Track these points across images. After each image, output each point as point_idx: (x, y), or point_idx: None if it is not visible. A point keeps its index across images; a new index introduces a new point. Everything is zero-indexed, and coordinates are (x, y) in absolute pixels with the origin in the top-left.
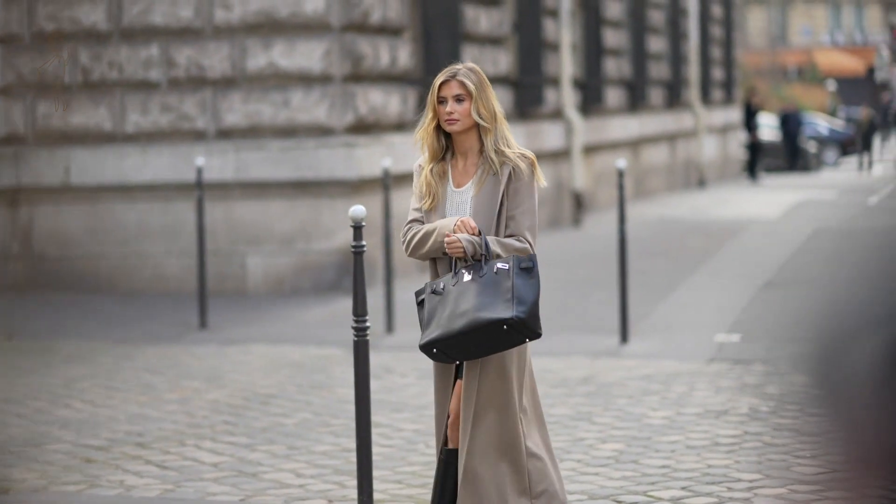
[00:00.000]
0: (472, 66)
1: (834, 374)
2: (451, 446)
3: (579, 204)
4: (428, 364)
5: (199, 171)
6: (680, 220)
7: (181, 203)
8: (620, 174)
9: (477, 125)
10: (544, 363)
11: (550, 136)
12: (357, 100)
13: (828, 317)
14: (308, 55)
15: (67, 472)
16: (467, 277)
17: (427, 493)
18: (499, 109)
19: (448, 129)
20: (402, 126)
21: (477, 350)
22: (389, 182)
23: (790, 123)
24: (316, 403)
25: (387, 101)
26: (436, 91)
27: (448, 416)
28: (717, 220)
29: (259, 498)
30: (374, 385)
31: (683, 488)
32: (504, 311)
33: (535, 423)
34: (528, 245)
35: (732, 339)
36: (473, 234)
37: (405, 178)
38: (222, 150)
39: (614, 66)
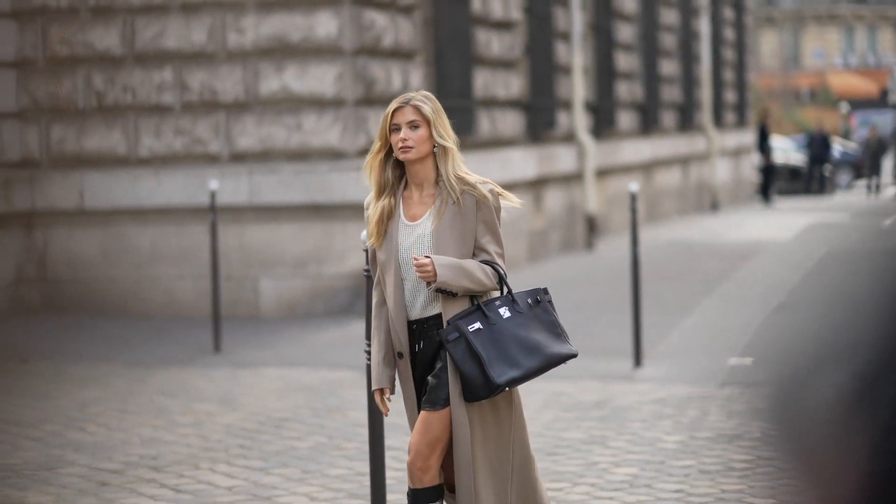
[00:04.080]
0: (426, 93)
1: (792, 415)
2: (421, 486)
3: (592, 227)
4: None
5: (213, 194)
6: (693, 243)
7: (194, 226)
8: (633, 197)
9: (432, 154)
10: (557, 387)
11: (563, 159)
12: (369, 123)
13: (789, 352)
14: (320, 79)
15: (82, 495)
16: (507, 314)
17: None
18: (452, 141)
19: (402, 157)
20: None
21: (529, 380)
22: None
23: (816, 146)
24: (329, 427)
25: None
26: (388, 119)
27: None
28: (730, 243)
29: None
30: None
31: None
32: (565, 346)
33: (526, 468)
34: (501, 272)
35: (745, 362)
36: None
37: None
38: (235, 173)
39: (626, 90)
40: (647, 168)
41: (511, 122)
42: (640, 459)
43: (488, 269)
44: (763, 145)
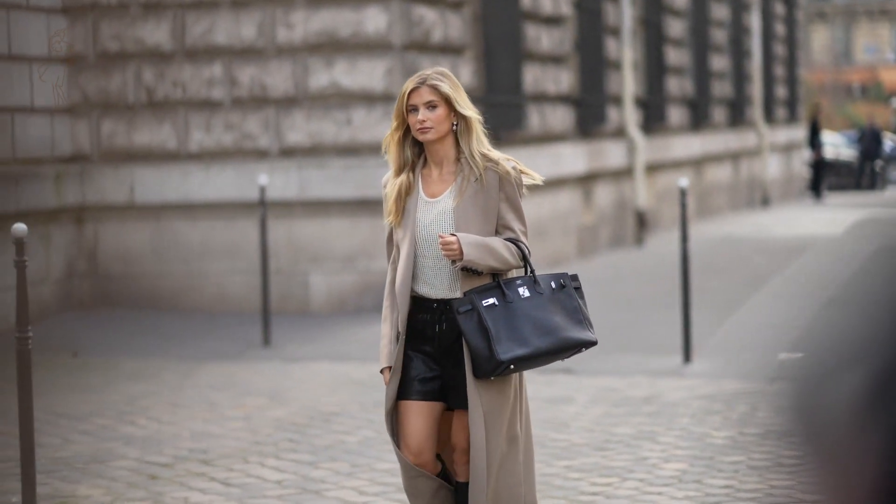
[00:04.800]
0: (441, 70)
1: (811, 414)
2: (453, 478)
3: (642, 223)
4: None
5: (262, 189)
6: (743, 239)
7: (244, 221)
8: (683, 193)
9: (452, 132)
10: (607, 382)
11: (613, 154)
12: None
13: (810, 350)
14: (370, 74)
15: (132, 488)
16: (526, 293)
17: None
18: (475, 113)
19: (421, 138)
20: None
21: (539, 365)
22: None
23: (867, 141)
24: (378, 421)
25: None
26: (405, 99)
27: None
28: (781, 238)
29: None
30: None
31: None
32: (584, 332)
33: (528, 458)
34: (525, 250)
35: (795, 358)
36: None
37: None
38: (285, 168)
39: (677, 85)
40: (697, 163)
41: (561, 118)
42: (689, 455)
43: (513, 247)
44: (814, 141)
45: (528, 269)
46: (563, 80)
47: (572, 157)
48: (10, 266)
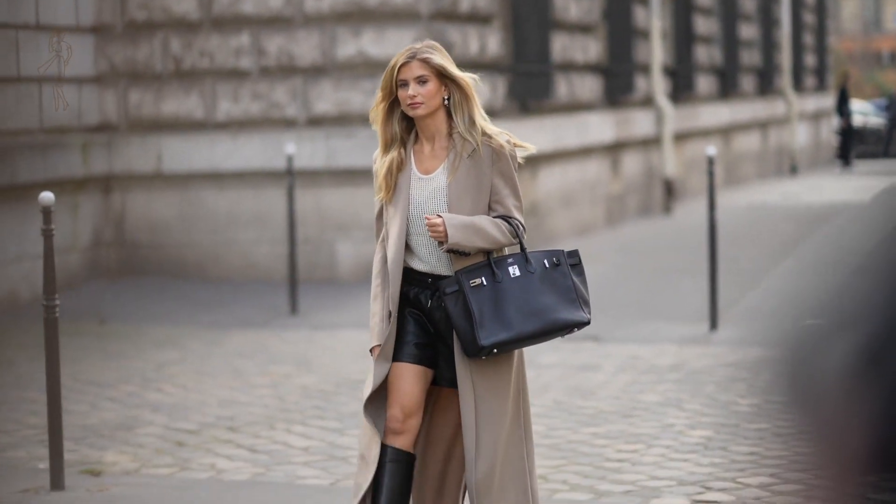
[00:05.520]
0: (431, 42)
1: (804, 380)
2: (398, 446)
3: (670, 191)
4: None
5: (290, 158)
6: (771, 207)
7: (271, 190)
8: (710, 161)
9: (443, 106)
10: (633, 350)
11: (641, 123)
12: None
13: (801, 318)
14: (397, 43)
15: (159, 455)
16: (516, 273)
17: None
18: (470, 83)
19: (412, 113)
20: (491, 113)
21: (528, 345)
22: None
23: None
24: None
25: (476, 88)
26: (395, 73)
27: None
28: (809, 206)
29: (348, 481)
30: None
31: (772, 475)
32: (575, 313)
33: (529, 433)
34: (519, 227)
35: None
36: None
37: None
38: (312, 137)
39: (705, 54)
40: (725, 132)
41: (589, 87)
42: (714, 422)
43: (504, 224)
44: (842, 109)
45: (521, 248)
46: (591, 48)
47: (600, 126)
48: (37, 235)
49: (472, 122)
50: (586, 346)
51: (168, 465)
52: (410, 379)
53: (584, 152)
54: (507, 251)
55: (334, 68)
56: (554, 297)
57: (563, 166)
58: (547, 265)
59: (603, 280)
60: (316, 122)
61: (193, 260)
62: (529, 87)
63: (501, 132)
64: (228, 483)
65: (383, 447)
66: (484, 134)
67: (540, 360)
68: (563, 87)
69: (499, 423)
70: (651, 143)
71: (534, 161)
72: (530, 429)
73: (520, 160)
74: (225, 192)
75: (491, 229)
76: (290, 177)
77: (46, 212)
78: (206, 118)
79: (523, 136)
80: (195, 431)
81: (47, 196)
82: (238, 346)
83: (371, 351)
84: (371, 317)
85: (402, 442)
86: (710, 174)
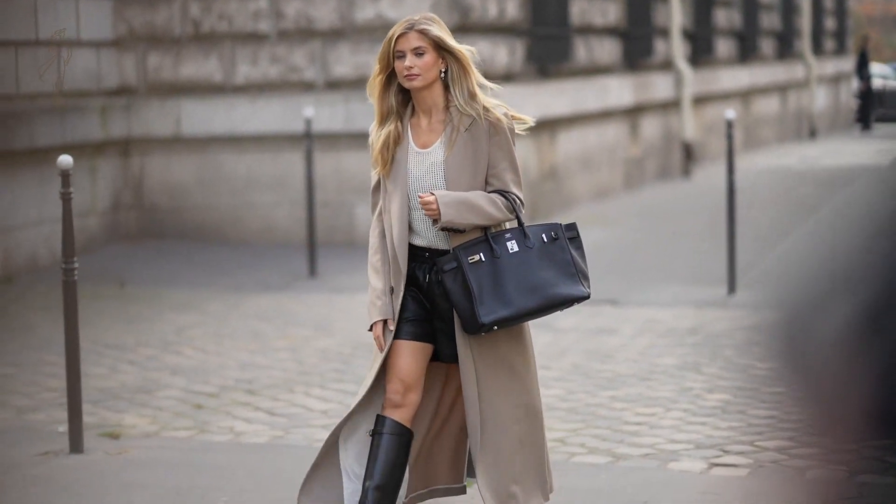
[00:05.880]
0: (429, 14)
1: (801, 343)
2: (396, 418)
3: (689, 155)
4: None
5: (308, 122)
6: (790, 171)
7: (290, 154)
8: (729, 124)
9: (440, 79)
10: (651, 314)
11: (660, 87)
12: None
13: (801, 281)
14: (415, 6)
15: (178, 417)
16: (514, 248)
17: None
18: (467, 55)
19: (408, 85)
20: (509, 77)
21: (528, 320)
22: None
23: None
24: None
25: (494, 53)
26: (392, 45)
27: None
28: (828, 169)
29: None
30: None
31: (790, 439)
32: (574, 287)
33: (535, 403)
34: (516, 201)
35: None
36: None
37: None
38: (331, 101)
39: (724, 17)
40: (745, 95)
41: (608, 50)
42: (732, 386)
43: (499, 199)
44: (862, 72)
45: (519, 222)
46: (610, 12)
47: (619, 90)
48: (57, 198)
49: (472, 95)
50: (604, 309)
51: (187, 427)
52: (409, 355)
53: (604, 116)
54: (505, 226)
55: (353, 31)
56: (553, 271)
57: (581, 130)
58: (545, 239)
59: (621, 243)
60: (334, 85)
61: (212, 223)
62: (548, 51)
63: (499, 104)
64: (247, 446)
65: (381, 418)
66: (483, 107)
67: (558, 323)
68: (582, 51)
69: (501, 396)
70: (670, 106)
71: (553, 125)
72: (537, 398)
73: (520, 132)
74: (244, 155)
75: (486, 205)
76: (309, 140)
77: (65, 175)
78: (225, 81)
79: (542, 100)
80: (214, 394)
81: (66, 159)
82: (257, 309)
83: (372, 327)
84: (370, 292)
85: (401, 415)
86: (730, 137)
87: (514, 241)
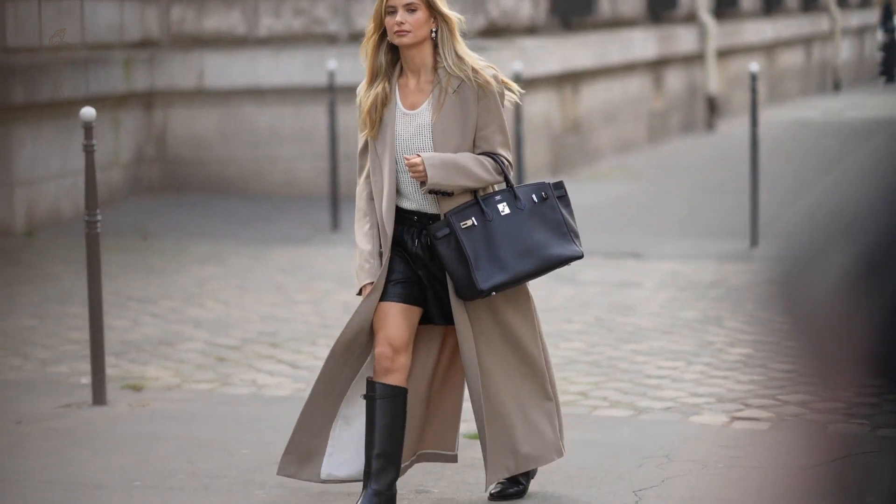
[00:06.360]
0: None
1: (800, 291)
2: (391, 382)
3: (712, 108)
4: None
5: (331, 74)
6: (814, 123)
7: (313, 106)
8: (753, 77)
9: (430, 39)
10: (673, 267)
11: (684, 39)
12: (489, 3)
13: (800, 230)
14: None
15: (200, 370)
16: (506, 210)
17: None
18: (455, 22)
19: (397, 41)
20: (533, 29)
21: (524, 282)
22: (521, 85)
23: None
24: None
25: (518, 5)
26: (385, 2)
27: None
28: (852, 122)
29: None
30: None
31: (811, 393)
32: (568, 247)
33: (538, 358)
34: (505, 163)
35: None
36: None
37: (536, 82)
38: (354, 53)
39: None
40: (769, 48)
41: (632, 3)
42: (754, 339)
43: (488, 161)
44: (887, 24)
45: (508, 184)
46: None
47: (643, 43)
48: (79, 150)
49: (459, 56)
50: (627, 262)
51: (209, 380)
52: (398, 317)
53: (627, 69)
54: (495, 188)
55: None
56: (545, 232)
57: (605, 83)
58: (535, 200)
59: (644, 197)
60: (357, 37)
61: (235, 176)
62: (572, 3)
63: (488, 66)
64: (269, 399)
65: (372, 383)
66: (471, 68)
67: (580, 276)
68: (606, 4)
69: (501, 357)
70: (694, 59)
71: (576, 78)
72: (540, 353)
73: (509, 102)
74: (266, 108)
75: (474, 167)
76: (332, 93)
77: (88, 127)
78: (248, 34)
79: (565, 53)
80: (236, 347)
81: (89, 111)
82: (279, 262)
83: (361, 291)
84: (358, 255)
85: (394, 380)
86: (753, 91)
87: (504, 204)
